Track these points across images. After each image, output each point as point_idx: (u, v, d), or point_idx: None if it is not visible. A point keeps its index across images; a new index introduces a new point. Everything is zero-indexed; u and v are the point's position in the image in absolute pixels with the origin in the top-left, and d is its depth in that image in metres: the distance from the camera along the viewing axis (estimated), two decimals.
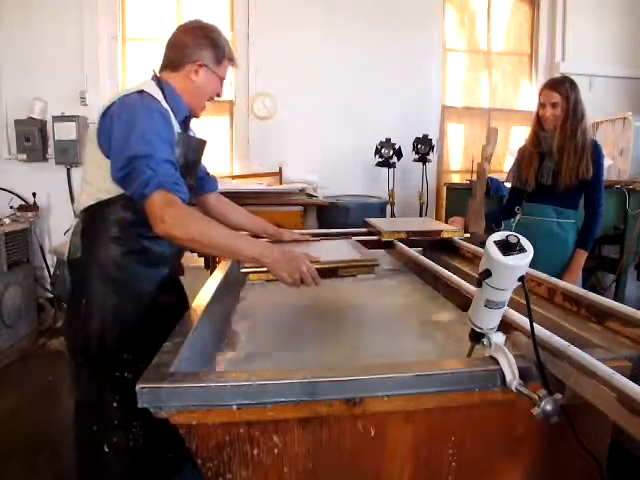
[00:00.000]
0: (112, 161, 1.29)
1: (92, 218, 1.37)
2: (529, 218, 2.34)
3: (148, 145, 1.24)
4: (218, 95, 1.52)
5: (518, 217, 2.40)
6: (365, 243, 2.06)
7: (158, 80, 1.44)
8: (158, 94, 1.39)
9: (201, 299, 1.31)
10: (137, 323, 1.40)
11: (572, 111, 2.18)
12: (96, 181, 1.36)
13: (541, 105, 2.26)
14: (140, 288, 1.42)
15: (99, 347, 1.36)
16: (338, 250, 1.62)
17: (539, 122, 2.29)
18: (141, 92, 1.34)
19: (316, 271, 1.29)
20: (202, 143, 1.56)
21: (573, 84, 2.24)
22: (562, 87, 2.20)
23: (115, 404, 1.37)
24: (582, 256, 2.23)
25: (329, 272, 1.39)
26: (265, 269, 1.28)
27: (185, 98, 1.46)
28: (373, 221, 2.29)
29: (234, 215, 1.82)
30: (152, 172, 1.21)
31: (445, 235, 2.09)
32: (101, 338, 1.36)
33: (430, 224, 2.43)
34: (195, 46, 1.43)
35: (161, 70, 1.47)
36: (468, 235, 2.20)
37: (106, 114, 1.32)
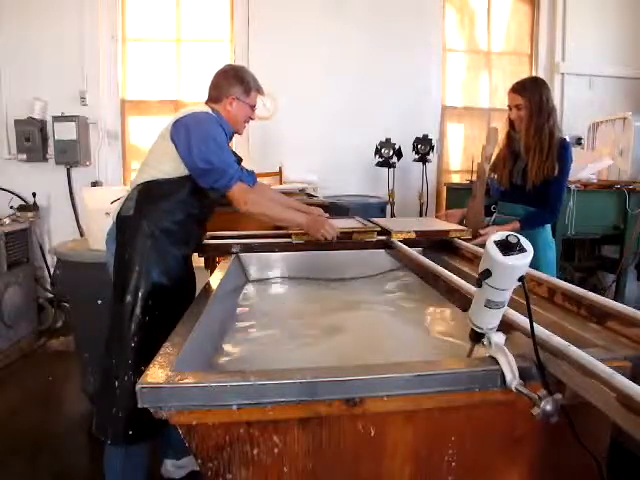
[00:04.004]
0: (190, 157, 1.69)
1: (149, 189, 1.73)
2: (503, 217, 2.36)
3: (224, 152, 1.75)
4: (252, 118, 1.98)
5: (494, 216, 2.43)
6: (365, 243, 2.08)
7: (210, 107, 1.85)
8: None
9: (201, 299, 1.31)
10: (164, 279, 1.71)
11: (536, 111, 2.18)
12: (158, 164, 1.75)
13: (508, 107, 2.29)
14: (173, 252, 1.75)
15: (134, 290, 1.65)
16: (351, 222, 2.28)
17: (511, 123, 2.32)
18: (207, 113, 1.80)
19: (336, 230, 1.93)
20: (240, 159, 2.05)
21: (538, 84, 2.25)
22: (524, 89, 2.22)
23: (133, 344, 1.62)
24: (514, 226, 2.17)
25: (346, 235, 2.03)
26: (303, 231, 1.96)
27: (227, 121, 1.89)
28: (379, 221, 2.31)
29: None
30: (233, 170, 1.75)
31: (452, 235, 2.09)
32: (137, 284, 1.66)
33: (436, 224, 2.43)
34: (228, 85, 1.87)
35: (207, 102, 1.90)
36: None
37: (178, 122, 1.74)
